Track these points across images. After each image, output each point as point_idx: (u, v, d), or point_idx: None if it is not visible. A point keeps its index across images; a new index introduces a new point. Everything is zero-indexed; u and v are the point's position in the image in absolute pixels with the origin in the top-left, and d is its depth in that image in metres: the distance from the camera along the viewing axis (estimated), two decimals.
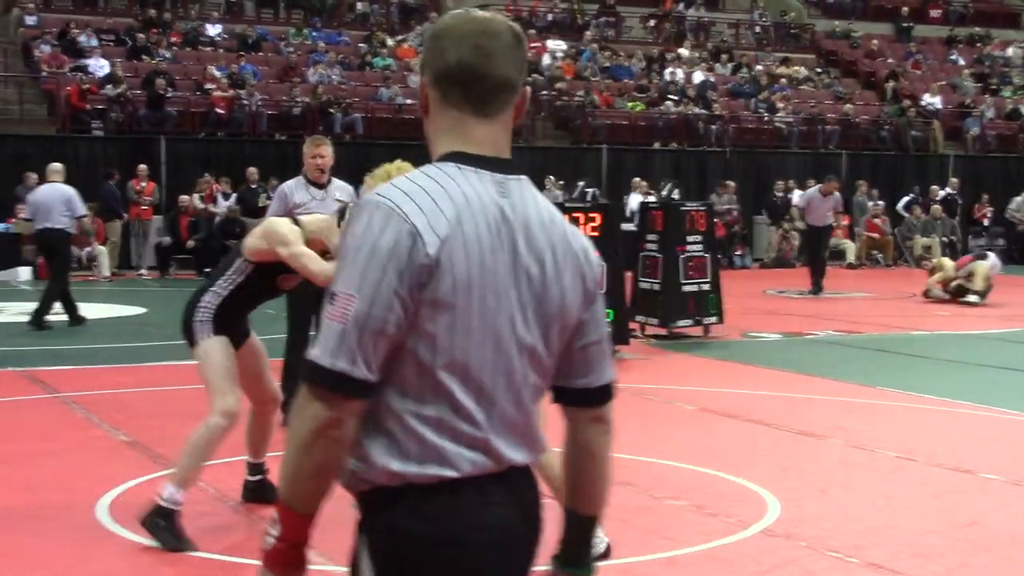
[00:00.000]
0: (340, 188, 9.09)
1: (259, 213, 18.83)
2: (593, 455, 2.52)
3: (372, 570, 2.30)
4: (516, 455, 2.34)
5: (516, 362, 2.32)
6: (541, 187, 24.87)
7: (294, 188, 8.94)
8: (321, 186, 8.91)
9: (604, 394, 2.50)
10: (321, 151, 8.90)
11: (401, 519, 2.28)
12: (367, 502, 2.32)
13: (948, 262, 20.16)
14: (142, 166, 22.86)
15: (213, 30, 28.90)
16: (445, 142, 2.35)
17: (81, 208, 14.95)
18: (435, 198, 2.25)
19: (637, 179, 25.97)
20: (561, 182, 23.97)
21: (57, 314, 15.06)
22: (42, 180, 22.00)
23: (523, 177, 2.39)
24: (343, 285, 2.22)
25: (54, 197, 14.60)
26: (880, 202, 28.10)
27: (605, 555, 5.83)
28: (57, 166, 15.33)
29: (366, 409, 2.27)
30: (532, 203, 2.36)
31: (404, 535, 2.27)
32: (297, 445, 2.24)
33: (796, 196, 24.89)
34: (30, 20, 27.37)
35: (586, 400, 2.49)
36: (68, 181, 14.99)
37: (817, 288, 19.83)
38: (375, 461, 2.28)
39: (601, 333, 2.47)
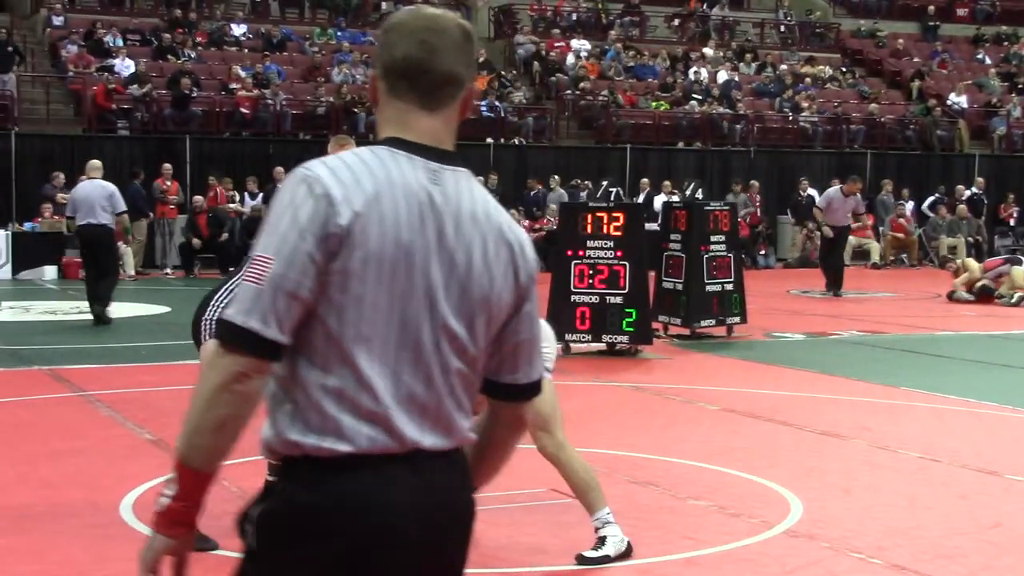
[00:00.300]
0: None
1: None
2: (496, 445, 2.59)
3: (253, 534, 2.35)
4: (423, 438, 2.35)
5: (428, 343, 2.36)
6: (569, 185, 24.87)
7: None
8: None
9: (528, 392, 2.56)
10: (345, 150, 8.92)
11: (294, 488, 2.32)
12: (278, 472, 2.39)
13: (974, 263, 20.03)
14: (167, 165, 22.97)
15: (238, 30, 29.00)
16: (387, 130, 2.44)
17: (122, 204, 15.02)
18: (357, 174, 2.33)
19: (645, 180, 25.90)
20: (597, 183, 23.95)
21: (82, 312, 15.16)
22: (70, 178, 22.26)
23: (463, 169, 2.45)
24: (262, 249, 2.31)
25: (96, 193, 14.71)
26: (910, 202, 27.98)
27: (627, 554, 5.83)
28: (96, 163, 15.53)
29: (280, 378, 2.34)
30: (467, 194, 2.42)
31: (290, 503, 2.32)
32: (203, 398, 2.29)
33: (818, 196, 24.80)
34: (57, 20, 27.53)
35: (511, 396, 2.55)
36: None
37: (831, 289, 19.48)
38: (280, 431, 2.35)
39: (533, 332, 2.52)
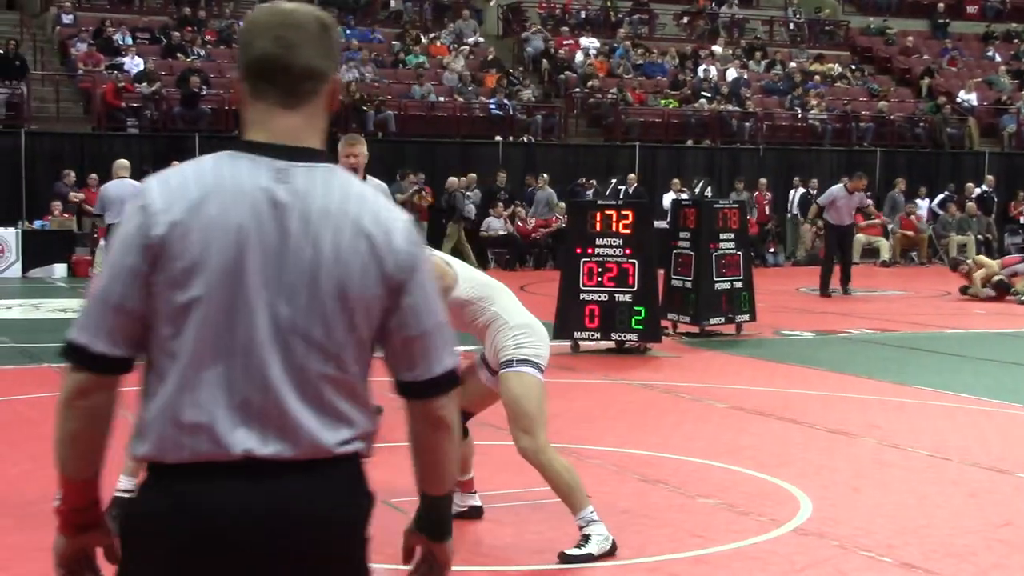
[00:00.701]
0: (374, 186, 9.13)
1: None
2: (423, 447, 2.51)
3: (117, 528, 2.42)
4: (260, 446, 2.29)
5: (270, 348, 2.30)
6: (575, 183, 24.85)
7: None
8: None
9: (429, 389, 2.46)
10: (355, 150, 8.98)
11: (141, 491, 2.38)
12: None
13: (987, 259, 19.99)
14: (176, 163, 22.97)
15: None
16: (247, 133, 2.41)
17: None
18: (185, 182, 2.32)
19: (632, 175, 25.79)
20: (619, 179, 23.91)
21: None
22: (80, 176, 22.29)
23: (323, 165, 2.38)
24: (102, 267, 2.36)
25: (125, 192, 14.80)
26: (926, 200, 27.90)
27: (611, 552, 5.81)
28: (124, 162, 15.88)
29: (141, 389, 2.36)
30: (321, 189, 2.34)
31: (136, 505, 2.37)
32: (56, 415, 2.36)
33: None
34: (67, 19, 27.57)
35: (410, 394, 2.47)
36: (103, 179, 15.25)
37: (841, 286, 19.18)
38: (131, 439, 2.38)
39: (425, 326, 2.42)
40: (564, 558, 5.76)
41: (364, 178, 9.09)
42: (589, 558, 5.75)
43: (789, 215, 27.16)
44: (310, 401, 2.33)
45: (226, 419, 2.29)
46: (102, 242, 20.16)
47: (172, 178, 2.33)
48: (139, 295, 2.29)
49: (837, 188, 19.48)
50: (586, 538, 5.79)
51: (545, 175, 25.34)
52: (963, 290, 19.25)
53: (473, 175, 24.89)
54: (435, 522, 2.60)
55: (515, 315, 6.00)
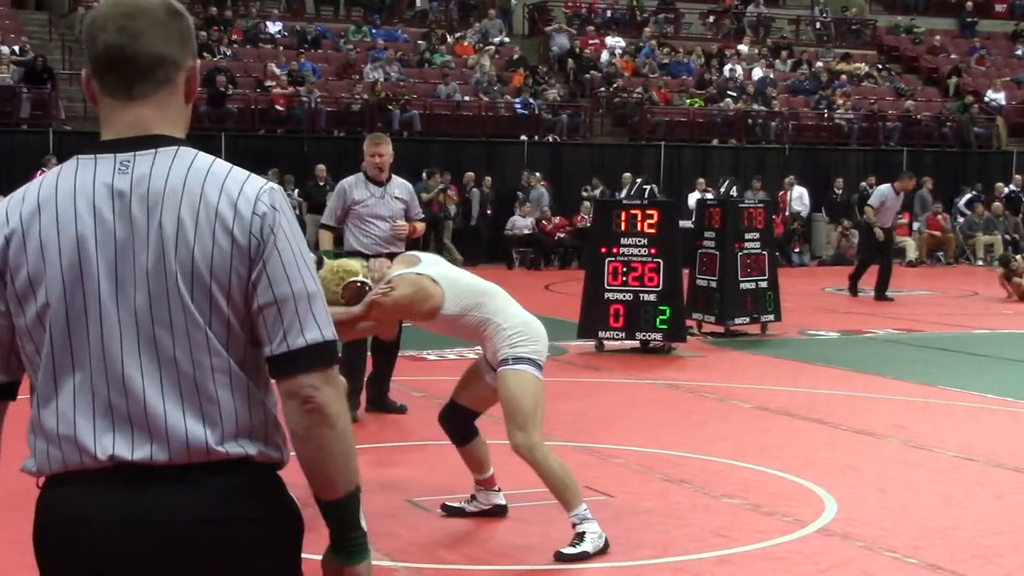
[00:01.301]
0: (399, 186, 9.23)
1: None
2: (296, 435, 2.26)
3: None
4: (123, 450, 2.20)
5: (130, 347, 2.21)
6: (609, 186, 24.81)
7: (353, 185, 9.08)
8: (380, 183, 9.02)
9: (291, 363, 2.23)
10: (380, 149, 9.01)
11: (35, 508, 2.33)
12: None
13: None
14: None
15: (273, 27, 29.12)
16: (102, 133, 2.33)
17: None
18: (26, 195, 2.28)
19: (627, 175, 25.72)
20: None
21: None
22: None
23: (169, 148, 2.27)
24: None
25: None
26: (967, 196, 27.67)
27: (604, 550, 5.80)
28: None
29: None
30: (162, 170, 2.23)
31: (35, 512, 2.33)
32: None
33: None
34: None
35: (274, 371, 2.26)
36: None
37: (884, 293, 18.49)
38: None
39: (280, 293, 2.23)
40: (560, 557, 5.76)
41: (389, 177, 9.11)
42: (584, 556, 5.75)
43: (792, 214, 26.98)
44: (183, 395, 2.21)
45: (90, 426, 2.21)
46: None
47: (16, 193, 2.30)
48: None
49: (886, 188, 18.30)
50: (580, 536, 5.79)
51: (538, 174, 25.30)
52: (1009, 276, 18.85)
53: (471, 174, 24.91)
54: (336, 536, 2.33)
55: (509, 316, 6.01)
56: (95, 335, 2.22)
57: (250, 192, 2.25)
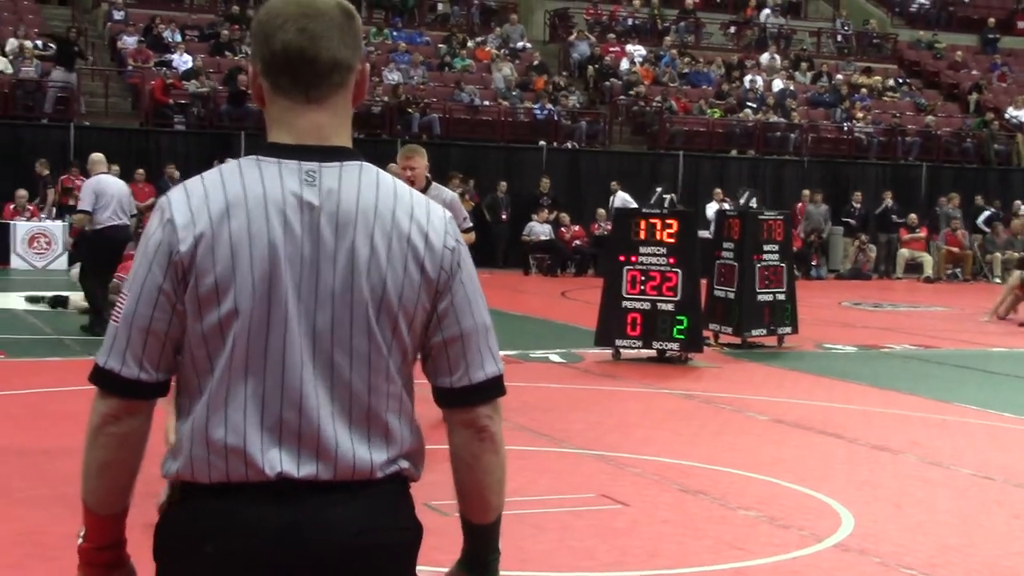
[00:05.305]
0: (435, 198, 8.87)
1: None
2: (464, 462, 2.32)
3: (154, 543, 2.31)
4: (295, 467, 2.18)
5: (308, 363, 2.18)
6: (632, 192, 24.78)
7: None
8: None
9: (471, 396, 2.28)
10: (412, 163, 8.70)
11: (174, 513, 2.27)
12: None
13: None
14: (219, 163, 23.08)
15: None
16: (271, 133, 2.27)
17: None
18: (209, 193, 2.18)
19: (615, 182, 25.68)
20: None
21: None
22: (126, 171, 22.42)
23: (353, 163, 2.24)
24: (125, 287, 2.23)
25: (122, 190, 14.50)
26: (986, 212, 27.54)
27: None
28: (100, 156, 14.11)
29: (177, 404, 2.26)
30: (352, 189, 2.20)
31: (167, 518, 2.27)
32: (85, 442, 2.25)
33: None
34: (118, 15, 27.83)
35: (450, 401, 2.30)
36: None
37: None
38: (166, 457, 2.28)
39: (465, 328, 2.26)
40: None
41: (425, 189, 8.76)
42: None
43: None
44: (352, 418, 2.21)
45: (259, 440, 2.17)
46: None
47: (195, 189, 2.20)
48: (167, 316, 2.18)
49: None
50: None
51: (504, 183, 25.24)
52: None
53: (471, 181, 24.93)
54: (479, 560, 2.39)
55: None
56: (276, 349, 2.17)
57: (437, 223, 2.25)
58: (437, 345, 2.27)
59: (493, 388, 2.30)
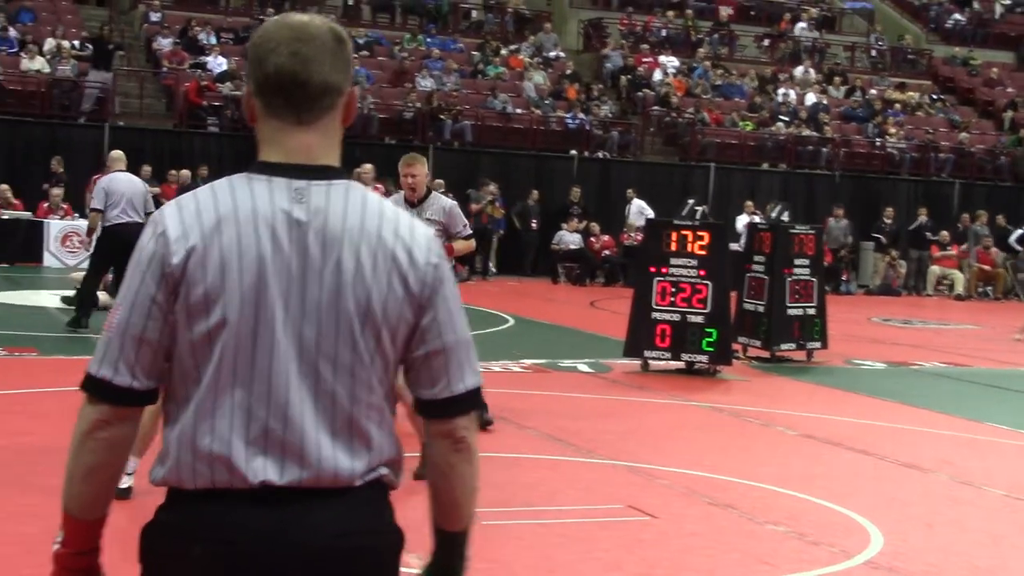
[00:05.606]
0: (433, 206, 8.62)
1: None
2: (440, 471, 2.40)
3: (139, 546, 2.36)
4: (278, 475, 2.24)
5: (294, 373, 2.25)
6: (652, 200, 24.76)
7: (395, 203, 8.77)
8: (412, 204, 8.50)
9: (451, 407, 2.37)
10: (412, 170, 8.53)
11: (159, 516, 2.33)
12: None
13: None
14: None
15: None
16: (262, 151, 2.35)
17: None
18: (201, 208, 2.26)
19: (633, 191, 25.70)
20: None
21: None
22: (159, 172, 22.56)
23: (340, 182, 2.32)
24: (119, 297, 2.30)
25: (135, 189, 14.40)
26: (1019, 232, 27.36)
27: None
28: (120, 154, 14.09)
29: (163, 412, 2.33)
30: (339, 207, 2.28)
31: (155, 522, 2.32)
32: (72, 447, 2.31)
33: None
34: (154, 16, 28.01)
35: (431, 412, 2.38)
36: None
37: None
38: (154, 464, 2.34)
39: (446, 341, 2.35)
40: None
41: (425, 197, 8.67)
42: None
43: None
44: (335, 427, 2.27)
45: (243, 448, 2.24)
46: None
47: (187, 203, 2.28)
48: (159, 326, 2.26)
49: None
50: None
51: (535, 192, 25.22)
52: None
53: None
54: (448, 566, 2.46)
55: None
56: (263, 359, 2.25)
57: (421, 241, 2.33)
58: (420, 358, 2.35)
59: (471, 401, 2.39)
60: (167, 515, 2.31)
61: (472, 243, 9.20)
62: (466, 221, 9.03)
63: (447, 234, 8.48)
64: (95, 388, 2.29)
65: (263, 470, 2.24)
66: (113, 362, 2.27)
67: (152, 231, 2.28)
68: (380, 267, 2.28)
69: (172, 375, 2.30)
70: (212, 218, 2.25)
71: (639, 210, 24.74)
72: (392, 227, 2.31)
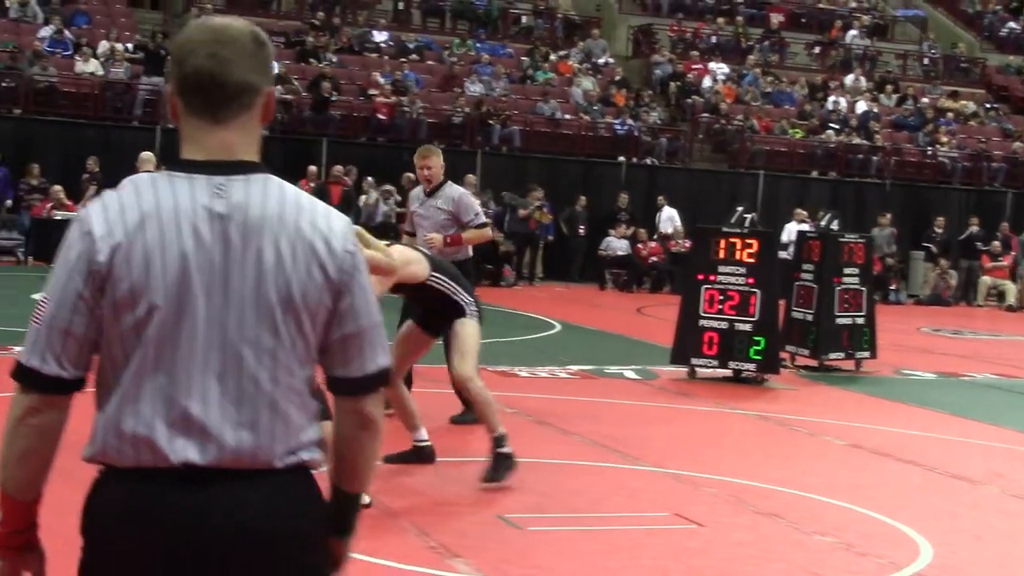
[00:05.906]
0: (444, 196, 9.25)
1: None
2: (347, 442, 2.56)
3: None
4: (199, 455, 2.35)
5: (215, 361, 2.36)
6: (686, 208, 24.67)
7: (415, 195, 9.53)
8: (427, 194, 9.28)
9: (360, 386, 2.52)
10: (428, 162, 9.21)
11: (96, 489, 2.44)
12: None
13: None
14: (312, 167, 23.23)
15: (379, 37, 29.42)
16: (182, 150, 2.46)
17: None
18: (124, 207, 2.37)
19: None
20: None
21: None
22: None
23: (259, 175, 2.43)
24: (46, 291, 2.42)
25: None
26: None
27: (367, 506, 5.99)
28: (149, 155, 14.02)
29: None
30: (259, 200, 2.40)
31: (88, 501, 2.44)
32: (5, 434, 2.43)
33: None
34: None
35: (342, 390, 2.53)
36: None
37: None
38: (86, 444, 2.45)
39: (361, 324, 2.48)
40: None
41: (439, 187, 9.24)
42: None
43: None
44: (256, 409, 2.39)
45: (165, 430, 2.35)
46: None
47: (111, 202, 2.39)
48: (85, 320, 2.37)
49: None
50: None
51: (583, 198, 25.13)
52: None
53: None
54: (344, 519, 2.64)
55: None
56: (186, 348, 2.37)
57: (338, 230, 2.46)
58: (337, 340, 2.48)
59: (381, 379, 2.55)
60: (103, 490, 2.42)
61: (487, 232, 9.75)
62: (478, 210, 9.54)
63: (457, 223, 9.07)
64: (25, 377, 2.40)
65: (183, 450, 2.35)
66: (40, 353, 2.39)
67: (79, 229, 2.38)
68: (299, 256, 2.40)
69: (101, 364, 2.42)
70: (136, 216, 2.36)
71: (669, 218, 24.74)
72: (309, 217, 2.43)
